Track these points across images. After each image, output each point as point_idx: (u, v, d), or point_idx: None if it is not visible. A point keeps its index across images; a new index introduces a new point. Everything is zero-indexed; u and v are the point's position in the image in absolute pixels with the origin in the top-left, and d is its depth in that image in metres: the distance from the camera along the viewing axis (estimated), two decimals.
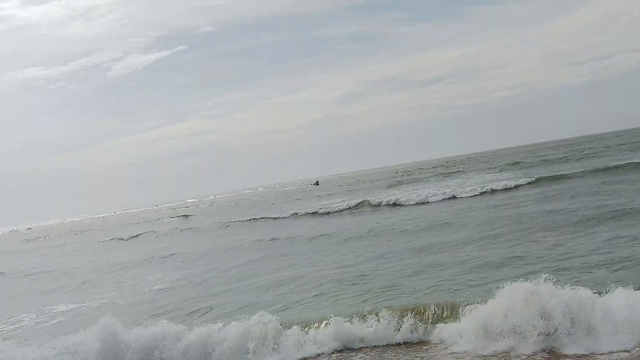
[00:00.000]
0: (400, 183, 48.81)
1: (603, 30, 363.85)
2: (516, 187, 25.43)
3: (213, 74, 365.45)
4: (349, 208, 29.52)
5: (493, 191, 25.62)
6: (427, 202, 26.53)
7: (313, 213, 30.41)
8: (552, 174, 27.62)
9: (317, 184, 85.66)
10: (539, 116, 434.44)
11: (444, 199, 26.44)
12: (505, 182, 27.36)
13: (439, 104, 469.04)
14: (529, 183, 25.62)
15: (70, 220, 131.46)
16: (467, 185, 29.55)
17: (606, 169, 25.43)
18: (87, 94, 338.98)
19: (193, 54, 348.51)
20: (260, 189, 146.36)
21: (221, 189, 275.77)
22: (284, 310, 9.55)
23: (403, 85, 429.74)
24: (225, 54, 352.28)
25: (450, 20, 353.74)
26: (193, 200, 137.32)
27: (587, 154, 44.45)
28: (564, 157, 44.93)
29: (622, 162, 26.28)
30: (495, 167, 46.90)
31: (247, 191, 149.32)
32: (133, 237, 35.37)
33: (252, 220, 32.00)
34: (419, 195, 28.35)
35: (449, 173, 52.00)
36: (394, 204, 27.98)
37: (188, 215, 51.22)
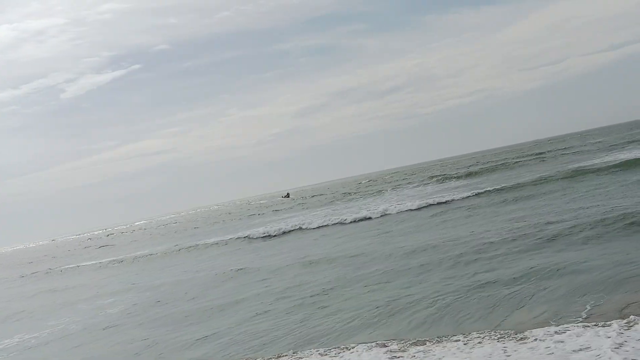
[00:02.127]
0: (364, 193, 46.39)
1: (554, 36, 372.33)
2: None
3: (170, 92, 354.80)
4: (271, 236, 25.86)
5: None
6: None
7: (217, 242, 27.69)
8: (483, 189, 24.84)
9: (288, 196, 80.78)
10: (498, 121, 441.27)
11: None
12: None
13: (399, 114, 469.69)
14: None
15: (7, 249, 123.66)
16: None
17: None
18: (41, 117, 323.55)
19: (148, 73, 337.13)
20: (215, 206, 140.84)
21: (184, 207, 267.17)
22: None
23: (363, 96, 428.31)
24: (181, 72, 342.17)
25: (407, 30, 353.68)
26: (144, 222, 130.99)
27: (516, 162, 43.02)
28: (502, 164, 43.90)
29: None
30: (444, 177, 43.80)
31: (202, 209, 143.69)
32: (33, 273, 33.07)
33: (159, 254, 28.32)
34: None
35: (397, 185, 48.89)
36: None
37: (110, 245, 47.29)
